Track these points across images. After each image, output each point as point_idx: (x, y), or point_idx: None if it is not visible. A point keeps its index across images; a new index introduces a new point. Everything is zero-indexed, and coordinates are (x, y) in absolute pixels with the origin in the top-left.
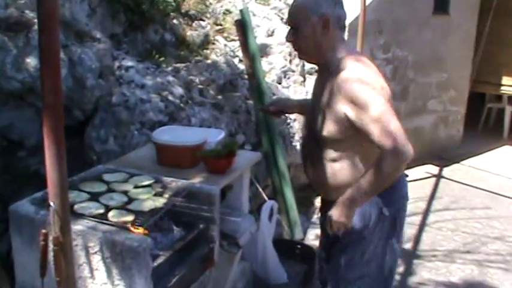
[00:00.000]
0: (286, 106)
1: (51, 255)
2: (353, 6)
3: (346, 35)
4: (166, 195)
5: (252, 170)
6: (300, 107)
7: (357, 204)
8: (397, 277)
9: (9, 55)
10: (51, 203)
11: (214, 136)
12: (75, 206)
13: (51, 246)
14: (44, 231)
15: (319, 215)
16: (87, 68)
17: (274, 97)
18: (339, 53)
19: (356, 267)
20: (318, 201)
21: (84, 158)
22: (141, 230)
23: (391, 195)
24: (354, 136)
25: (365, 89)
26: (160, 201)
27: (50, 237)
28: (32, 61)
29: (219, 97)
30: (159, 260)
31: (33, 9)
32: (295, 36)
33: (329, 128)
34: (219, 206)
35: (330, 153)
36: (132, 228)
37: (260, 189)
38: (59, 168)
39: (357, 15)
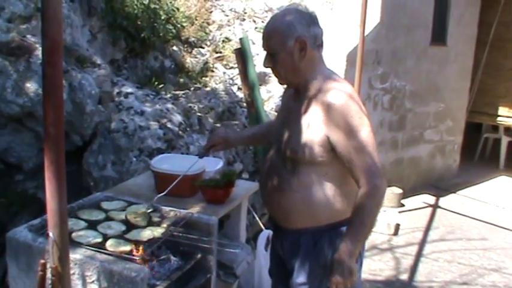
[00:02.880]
0: (228, 142)
1: (48, 285)
2: (351, 36)
3: (344, 65)
4: (164, 225)
5: (249, 199)
6: (248, 138)
7: (357, 254)
8: None
9: (9, 79)
10: (51, 233)
11: (213, 165)
12: (73, 234)
13: (49, 275)
14: (42, 261)
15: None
16: (87, 93)
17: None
18: (319, 73)
19: None
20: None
21: (81, 184)
22: (141, 251)
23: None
24: (331, 161)
25: (353, 115)
26: (158, 231)
27: (48, 267)
28: (32, 86)
29: (218, 125)
30: None
31: (34, 33)
32: (273, 62)
33: (307, 151)
34: (217, 236)
35: (304, 178)
36: (134, 252)
37: (257, 218)
38: (59, 199)
39: (356, 45)
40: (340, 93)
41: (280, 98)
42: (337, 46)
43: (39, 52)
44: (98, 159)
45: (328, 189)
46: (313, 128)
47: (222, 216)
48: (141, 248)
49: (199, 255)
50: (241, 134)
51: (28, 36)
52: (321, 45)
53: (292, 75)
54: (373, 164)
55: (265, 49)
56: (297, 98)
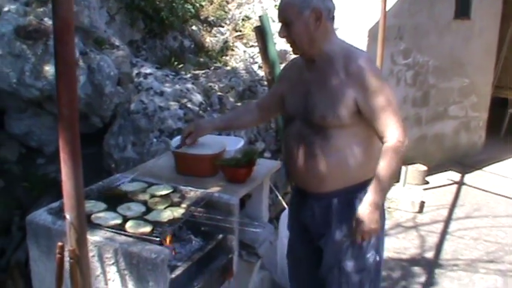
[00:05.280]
0: (204, 131)
1: (67, 267)
2: (373, 11)
3: (366, 40)
4: (185, 205)
5: (271, 178)
6: (226, 123)
7: (380, 206)
8: (418, 287)
9: (28, 63)
10: (67, 216)
11: (234, 144)
12: (92, 216)
13: (67, 258)
14: (60, 243)
15: (291, 208)
16: (105, 75)
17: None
18: (334, 43)
19: (356, 261)
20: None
21: (102, 166)
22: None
23: None
24: (359, 122)
25: (376, 76)
26: (178, 212)
27: (66, 250)
28: (50, 69)
29: (239, 104)
30: (177, 271)
31: (51, 16)
32: (288, 32)
33: (335, 115)
34: (238, 216)
35: (335, 141)
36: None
37: (280, 197)
38: (75, 181)
39: (377, 21)
40: (361, 57)
41: (283, 73)
42: (359, 22)
43: None
44: (118, 140)
45: (358, 150)
46: (339, 92)
47: (243, 195)
48: (168, 237)
49: (220, 236)
50: (213, 121)
51: (45, 19)
52: (333, 18)
53: (308, 44)
54: (396, 120)
55: (280, 20)
56: (312, 68)
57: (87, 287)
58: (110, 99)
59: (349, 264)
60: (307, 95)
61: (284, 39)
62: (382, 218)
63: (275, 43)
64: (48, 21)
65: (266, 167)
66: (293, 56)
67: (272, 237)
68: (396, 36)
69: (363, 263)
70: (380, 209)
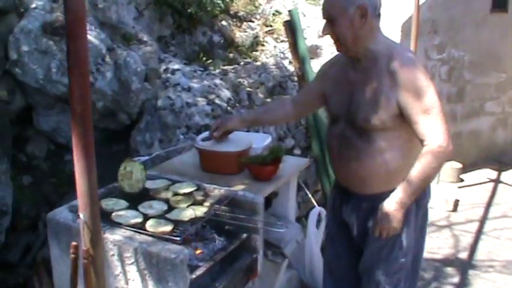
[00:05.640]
0: (232, 126)
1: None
2: (406, 5)
3: (399, 35)
4: (208, 204)
5: (301, 175)
6: (257, 118)
7: (406, 206)
8: None
9: (54, 59)
10: (81, 215)
11: (261, 141)
12: (113, 215)
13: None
14: (74, 243)
15: (332, 204)
16: (132, 71)
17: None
18: (380, 41)
19: (396, 261)
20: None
21: None
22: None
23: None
24: (402, 125)
25: (420, 78)
26: (200, 210)
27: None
28: None
29: (268, 100)
30: (199, 271)
31: (63, 11)
32: (332, 29)
33: (379, 118)
34: (264, 215)
35: (379, 144)
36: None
37: (309, 195)
38: (89, 179)
39: (410, 15)
40: (406, 58)
41: (324, 70)
42: (392, 16)
43: None
44: (145, 137)
45: (402, 152)
46: (381, 95)
47: (269, 194)
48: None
49: (244, 235)
50: (243, 116)
51: None
52: (379, 15)
53: (352, 42)
54: (440, 124)
55: (324, 17)
56: (357, 68)
57: (102, 287)
58: (137, 95)
59: (389, 264)
60: (351, 96)
61: (328, 36)
62: (424, 217)
63: (305, 38)
64: None
65: (293, 164)
66: (325, 52)
67: (299, 237)
68: (430, 30)
69: (401, 262)
70: (404, 209)
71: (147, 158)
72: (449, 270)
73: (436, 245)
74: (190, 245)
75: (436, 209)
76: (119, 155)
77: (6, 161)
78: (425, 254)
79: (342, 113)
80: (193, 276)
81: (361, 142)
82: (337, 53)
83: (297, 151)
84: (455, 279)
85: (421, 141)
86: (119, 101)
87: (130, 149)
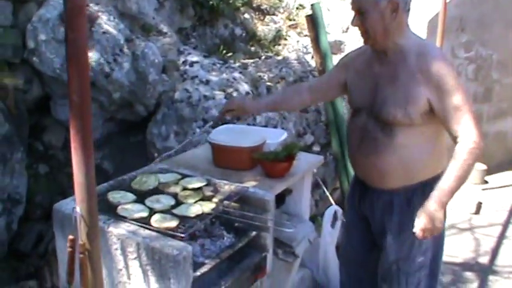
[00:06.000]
0: (243, 109)
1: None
2: (433, 1)
3: (425, 32)
4: (216, 200)
5: (319, 173)
6: (266, 105)
7: (446, 205)
8: None
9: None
10: (77, 208)
11: (276, 137)
12: (119, 208)
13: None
14: (70, 237)
15: (350, 197)
16: (150, 62)
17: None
18: (408, 36)
19: (416, 259)
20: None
21: (147, 155)
22: None
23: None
24: (427, 121)
25: (451, 75)
26: (208, 207)
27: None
28: (93, 55)
29: None
30: (203, 269)
31: (97, 2)
32: (362, 22)
33: (406, 113)
34: (276, 212)
35: (401, 139)
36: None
37: (327, 193)
38: (86, 171)
39: (438, 12)
40: (436, 55)
41: (348, 60)
42: (418, 12)
43: (101, 21)
44: (161, 129)
45: (424, 149)
46: (411, 90)
47: (282, 191)
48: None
49: (253, 233)
50: (258, 101)
51: (90, 4)
52: (409, 10)
53: (382, 36)
54: (472, 121)
55: (355, 9)
56: (383, 62)
57: (98, 283)
58: (154, 87)
59: (409, 263)
60: (376, 89)
61: (343, 37)
62: (444, 216)
63: (328, 33)
64: (93, 7)
65: (308, 161)
66: (349, 47)
67: (312, 236)
68: (458, 28)
69: (422, 261)
70: (445, 208)
71: (166, 154)
72: (469, 274)
73: (456, 249)
74: (197, 241)
75: (458, 211)
76: (136, 147)
77: (22, 150)
78: (445, 258)
79: (364, 105)
80: (198, 273)
81: (382, 136)
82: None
83: (316, 148)
84: (474, 285)
85: (454, 139)
86: (136, 92)
87: (146, 141)
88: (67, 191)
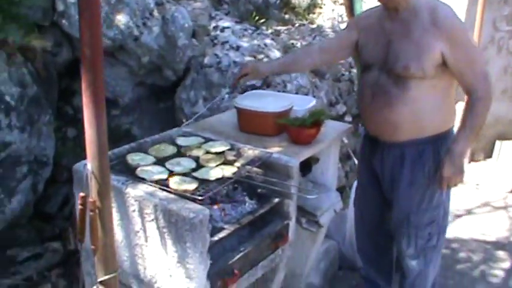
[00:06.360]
0: (257, 72)
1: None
2: None
3: (465, 3)
4: (238, 164)
5: (351, 144)
6: (279, 66)
7: (465, 155)
8: (499, 273)
9: (100, 11)
10: (88, 165)
11: (304, 104)
12: (138, 170)
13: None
14: (81, 194)
15: (362, 158)
16: (179, 26)
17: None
18: None
19: (426, 213)
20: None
21: (175, 120)
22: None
23: (449, 142)
24: (440, 74)
25: (463, 29)
26: (229, 171)
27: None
28: (123, 18)
29: None
30: (221, 234)
31: None
32: None
33: (419, 66)
34: (301, 180)
35: (413, 92)
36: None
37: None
38: (98, 127)
39: None
40: (448, 11)
41: (357, 21)
42: None
43: None
44: (190, 95)
45: (435, 102)
46: (425, 44)
47: (308, 159)
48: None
49: (276, 200)
50: (271, 63)
51: None
52: None
53: None
54: (484, 73)
55: None
56: (394, 19)
57: (109, 241)
58: (183, 51)
59: (419, 217)
60: (389, 45)
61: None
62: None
63: (364, 1)
64: None
65: (336, 129)
66: None
67: (338, 206)
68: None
69: (432, 215)
70: (465, 157)
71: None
72: (501, 254)
73: (489, 227)
74: (217, 206)
75: (493, 189)
76: (165, 112)
77: (50, 112)
78: (477, 235)
79: (377, 61)
80: (216, 238)
81: (395, 90)
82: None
83: (348, 118)
84: (506, 264)
85: (467, 91)
86: (165, 56)
87: (175, 106)
88: None
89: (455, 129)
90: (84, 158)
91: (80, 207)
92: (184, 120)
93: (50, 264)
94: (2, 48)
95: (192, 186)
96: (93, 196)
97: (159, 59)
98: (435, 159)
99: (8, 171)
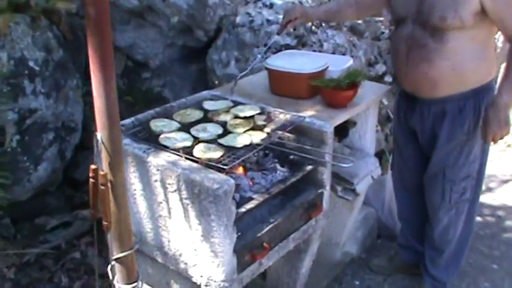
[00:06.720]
0: (306, 16)
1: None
2: None
3: None
4: (268, 130)
5: (391, 105)
6: (325, 13)
7: (510, 106)
8: None
9: None
10: (98, 135)
11: (340, 64)
12: (161, 137)
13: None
14: (93, 166)
15: (397, 117)
16: None
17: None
18: None
19: (462, 168)
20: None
21: (207, 83)
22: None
23: (490, 95)
24: (479, 24)
25: None
26: (258, 137)
27: None
28: None
29: (359, 21)
30: (249, 205)
31: None
32: None
33: (457, 16)
34: (336, 145)
35: (452, 44)
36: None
37: None
38: (107, 95)
39: None
40: None
41: None
42: None
43: None
44: (222, 56)
45: (476, 53)
46: None
47: (345, 123)
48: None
49: (309, 167)
50: (317, 8)
51: None
52: None
53: None
54: None
55: None
56: None
57: (124, 218)
58: (214, 10)
59: (455, 171)
60: None
61: None
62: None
63: None
64: None
65: (374, 91)
66: None
67: (376, 172)
68: None
69: (468, 170)
70: (510, 108)
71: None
72: None
73: None
74: (245, 174)
75: None
76: (197, 74)
77: (78, 77)
78: None
79: (410, 13)
80: (243, 209)
81: (433, 43)
82: None
83: (388, 78)
84: None
85: (510, 39)
86: (195, 16)
87: (207, 68)
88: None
89: (497, 81)
90: None
91: (91, 180)
92: (216, 82)
93: (79, 232)
94: (24, 12)
95: (217, 154)
96: (104, 169)
97: (188, 19)
98: (476, 113)
99: (34, 138)
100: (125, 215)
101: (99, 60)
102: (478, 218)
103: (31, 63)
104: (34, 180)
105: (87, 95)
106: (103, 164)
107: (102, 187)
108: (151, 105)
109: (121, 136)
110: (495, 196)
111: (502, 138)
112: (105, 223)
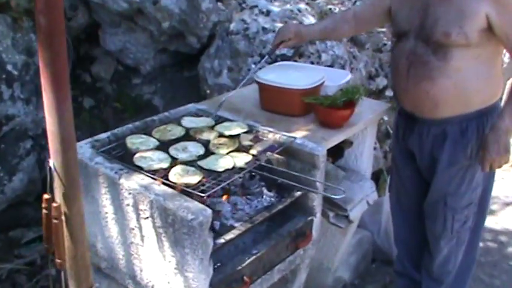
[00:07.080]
0: (300, 37)
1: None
2: None
3: None
4: (254, 152)
5: (390, 122)
6: (320, 31)
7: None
8: None
9: None
10: (51, 162)
11: (338, 79)
12: (136, 156)
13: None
14: (46, 196)
15: (396, 137)
16: None
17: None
18: None
19: (464, 195)
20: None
21: (199, 92)
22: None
23: (495, 117)
24: (484, 42)
25: None
26: (242, 160)
27: None
28: None
29: None
30: (229, 236)
31: None
32: None
33: (462, 32)
34: (329, 169)
35: (455, 62)
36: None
37: None
38: (60, 116)
39: None
40: None
41: None
42: None
43: None
44: (214, 64)
45: (481, 73)
46: (467, 6)
47: (340, 143)
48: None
49: (298, 193)
50: (312, 27)
51: None
52: None
53: None
54: None
55: None
56: None
57: (81, 254)
58: (207, 16)
59: (457, 199)
60: (426, 8)
61: None
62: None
63: None
64: None
65: (372, 109)
66: None
67: (371, 197)
68: None
69: (470, 197)
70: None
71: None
72: None
73: None
74: (227, 199)
75: None
76: (189, 82)
77: None
78: None
79: (412, 28)
80: (222, 241)
81: (435, 60)
82: None
83: (389, 93)
84: None
85: None
86: (187, 21)
87: (199, 76)
88: (110, 127)
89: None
90: (103, 130)
91: (44, 211)
92: (208, 92)
93: None
94: (4, 12)
95: (195, 179)
96: (58, 200)
97: (181, 24)
98: (479, 137)
99: (10, 146)
100: (82, 251)
101: (51, 78)
102: (480, 244)
103: (9, 67)
104: (8, 191)
105: (73, 100)
106: (56, 195)
107: (55, 221)
108: (140, 113)
109: (77, 162)
110: (497, 220)
111: (500, 166)
112: (58, 260)
